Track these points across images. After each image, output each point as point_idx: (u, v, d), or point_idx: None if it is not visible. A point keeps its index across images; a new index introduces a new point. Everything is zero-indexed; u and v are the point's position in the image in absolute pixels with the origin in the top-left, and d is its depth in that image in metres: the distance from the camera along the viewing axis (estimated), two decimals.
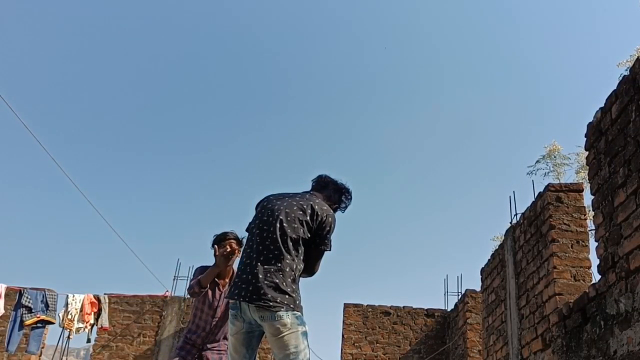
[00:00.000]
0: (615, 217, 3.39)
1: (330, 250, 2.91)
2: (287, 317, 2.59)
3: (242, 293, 2.66)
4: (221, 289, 3.99)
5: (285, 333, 2.58)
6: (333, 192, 3.11)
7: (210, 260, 4.11)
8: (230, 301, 2.80)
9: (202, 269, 3.98)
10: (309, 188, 3.16)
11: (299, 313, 2.66)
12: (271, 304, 2.58)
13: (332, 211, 2.96)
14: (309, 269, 2.89)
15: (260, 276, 2.64)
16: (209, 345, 3.90)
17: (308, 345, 2.66)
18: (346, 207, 3.17)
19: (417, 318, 11.05)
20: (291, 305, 2.62)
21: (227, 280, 4.03)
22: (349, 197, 3.17)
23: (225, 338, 3.97)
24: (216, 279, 3.98)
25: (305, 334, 2.65)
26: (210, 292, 3.96)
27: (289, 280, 2.67)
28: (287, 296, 2.62)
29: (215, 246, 3.83)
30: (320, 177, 3.16)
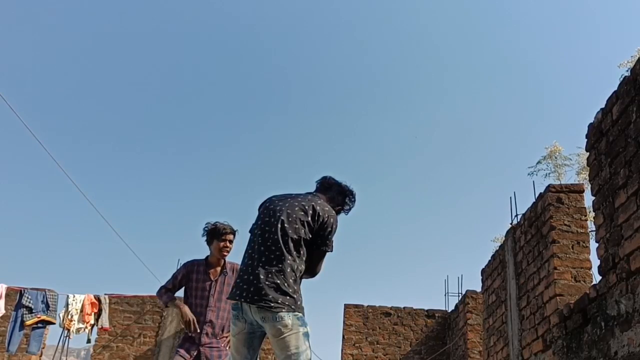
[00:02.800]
0: (615, 218, 3.39)
1: (331, 251, 2.90)
2: (288, 318, 2.59)
3: (243, 294, 2.66)
4: (211, 278, 3.98)
5: (287, 334, 2.59)
6: (337, 194, 3.09)
7: (203, 253, 4.12)
8: (232, 302, 2.81)
9: (188, 266, 4.00)
10: (311, 188, 3.14)
11: (300, 314, 2.66)
12: (272, 304, 2.58)
13: (334, 212, 2.94)
14: (311, 270, 2.89)
15: (262, 277, 2.64)
16: (207, 341, 3.86)
17: (309, 346, 2.66)
18: (350, 209, 3.15)
19: (417, 319, 11.05)
20: (292, 306, 2.62)
21: (217, 269, 4.02)
22: (353, 199, 3.14)
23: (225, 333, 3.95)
24: (207, 270, 3.98)
25: (306, 334, 2.65)
26: (200, 284, 3.94)
27: (290, 281, 2.67)
28: (288, 297, 2.63)
29: (188, 322, 3.75)
30: (324, 178, 3.13)
